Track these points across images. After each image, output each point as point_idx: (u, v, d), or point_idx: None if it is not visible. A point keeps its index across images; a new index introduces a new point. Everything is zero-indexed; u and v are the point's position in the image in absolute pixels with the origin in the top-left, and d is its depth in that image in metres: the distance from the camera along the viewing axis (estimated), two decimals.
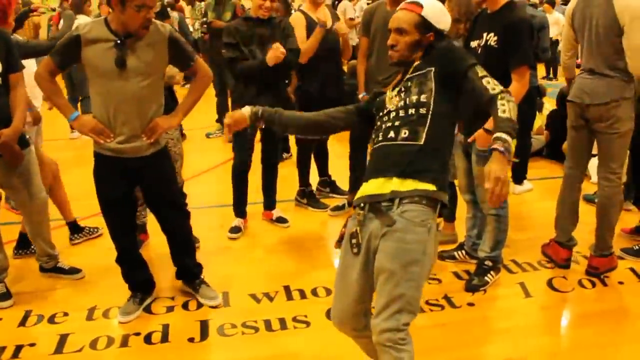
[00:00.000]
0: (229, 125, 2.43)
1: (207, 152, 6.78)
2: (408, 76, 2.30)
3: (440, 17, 2.31)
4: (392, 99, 2.31)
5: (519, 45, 3.19)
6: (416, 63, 2.31)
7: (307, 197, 5.02)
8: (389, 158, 2.20)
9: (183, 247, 3.46)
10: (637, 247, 4.02)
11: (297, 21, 4.52)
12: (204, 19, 7.20)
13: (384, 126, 2.27)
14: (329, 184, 5.28)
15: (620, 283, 3.69)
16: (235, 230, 4.43)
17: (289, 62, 4.11)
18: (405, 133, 2.18)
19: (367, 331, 2.25)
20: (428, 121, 2.17)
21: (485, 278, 3.62)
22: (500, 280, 3.69)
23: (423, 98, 2.20)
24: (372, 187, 2.20)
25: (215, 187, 5.43)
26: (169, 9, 8.66)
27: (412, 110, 2.20)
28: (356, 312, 2.30)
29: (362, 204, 2.21)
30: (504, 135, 1.98)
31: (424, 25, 2.28)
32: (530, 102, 3.94)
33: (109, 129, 2.99)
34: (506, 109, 2.04)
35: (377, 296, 2.15)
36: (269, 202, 4.70)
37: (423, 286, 2.16)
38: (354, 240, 2.23)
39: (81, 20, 7.55)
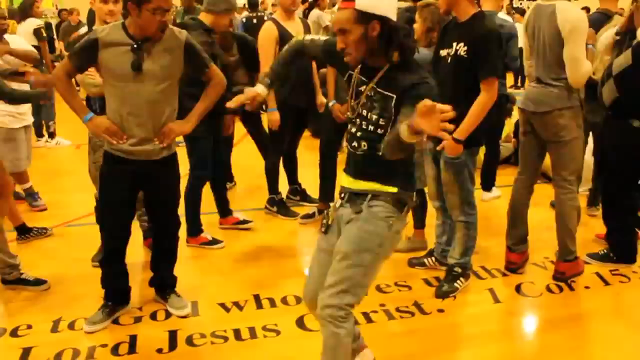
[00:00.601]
0: (246, 100, 2.47)
1: None
2: (375, 85, 2.25)
3: (377, 3, 2.16)
4: (355, 87, 2.33)
5: (487, 56, 3.23)
6: (386, 68, 2.24)
7: (277, 205, 5.00)
8: (355, 165, 2.38)
9: (168, 255, 3.47)
10: (602, 252, 4.08)
11: (268, 33, 4.49)
12: None
13: (351, 131, 2.36)
14: (299, 192, 5.27)
15: (587, 288, 3.75)
16: (217, 241, 4.37)
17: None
18: (364, 146, 2.31)
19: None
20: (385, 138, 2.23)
21: (455, 284, 3.63)
22: (469, 287, 3.71)
23: (382, 121, 2.24)
24: (347, 180, 2.41)
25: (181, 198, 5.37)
26: None
27: (372, 127, 2.28)
28: (318, 290, 2.38)
29: (342, 193, 2.42)
30: None
31: (362, 16, 2.15)
32: (498, 110, 3.99)
33: (122, 131, 3.01)
34: None
35: (328, 274, 2.32)
36: (226, 209, 4.71)
37: (372, 276, 2.34)
38: (324, 221, 2.45)
39: (29, 24, 7.31)
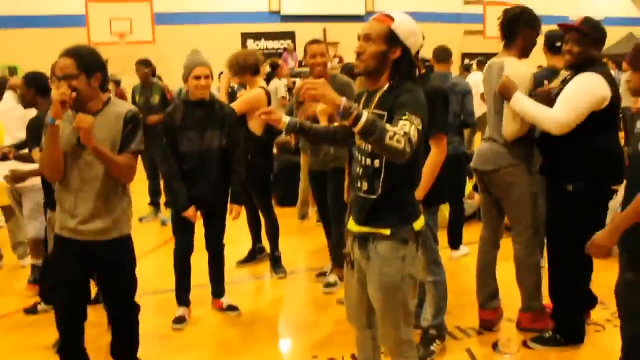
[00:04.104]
0: (266, 114, 2.62)
1: (140, 237, 6.46)
2: (374, 109, 2.42)
3: (410, 35, 2.40)
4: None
5: (433, 113, 3.26)
6: (384, 89, 2.43)
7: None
8: (355, 206, 2.58)
9: (127, 341, 3.23)
10: (548, 334, 3.68)
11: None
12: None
13: (356, 170, 2.55)
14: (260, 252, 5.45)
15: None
16: (180, 320, 4.17)
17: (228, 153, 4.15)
18: (365, 186, 2.49)
19: (366, 329, 2.76)
20: (382, 174, 2.43)
21: (431, 348, 3.55)
22: (446, 349, 3.64)
23: None
24: (352, 225, 2.62)
25: (149, 274, 5.22)
26: None
27: (369, 161, 2.46)
28: (357, 312, 2.74)
29: (349, 236, 2.67)
30: (362, 112, 2.14)
31: (392, 38, 2.37)
32: (458, 168, 4.03)
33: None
34: (395, 130, 2.15)
35: (378, 321, 2.62)
36: (218, 289, 4.44)
37: (413, 302, 2.59)
38: (347, 258, 2.69)
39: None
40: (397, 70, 2.42)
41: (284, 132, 2.73)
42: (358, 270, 2.65)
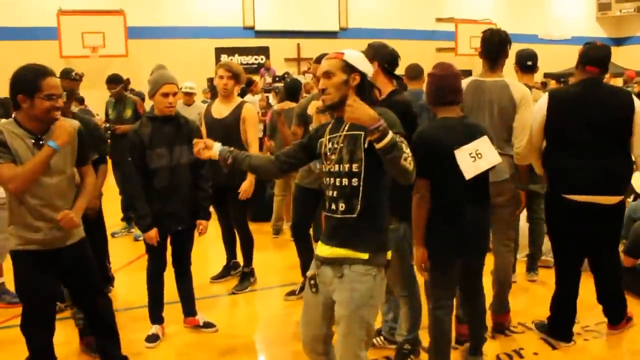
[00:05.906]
0: (201, 147, 2.78)
1: (113, 252, 6.44)
2: (346, 131, 2.55)
3: (361, 62, 2.64)
4: (326, 150, 2.62)
5: (393, 124, 3.29)
6: None
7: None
8: (332, 229, 2.63)
9: (109, 333, 3.41)
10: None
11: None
12: (108, 125, 6.99)
13: (326, 193, 2.63)
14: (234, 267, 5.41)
15: (535, 354, 3.76)
16: (153, 338, 4.08)
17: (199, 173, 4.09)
18: (342, 207, 2.56)
19: (324, 356, 2.75)
20: (360, 192, 2.53)
21: None
22: None
23: (355, 168, 2.51)
24: (323, 250, 2.65)
25: (121, 290, 5.16)
26: None
27: (345, 181, 2.55)
28: (315, 338, 2.73)
29: (318, 260, 2.68)
30: (388, 130, 2.31)
31: (348, 67, 2.59)
32: None
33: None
34: (407, 152, 2.35)
35: (337, 338, 2.61)
36: (190, 307, 4.33)
37: (374, 323, 2.63)
38: (312, 282, 2.69)
39: None
40: (361, 93, 2.58)
41: (219, 162, 2.83)
42: (324, 293, 2.67)
